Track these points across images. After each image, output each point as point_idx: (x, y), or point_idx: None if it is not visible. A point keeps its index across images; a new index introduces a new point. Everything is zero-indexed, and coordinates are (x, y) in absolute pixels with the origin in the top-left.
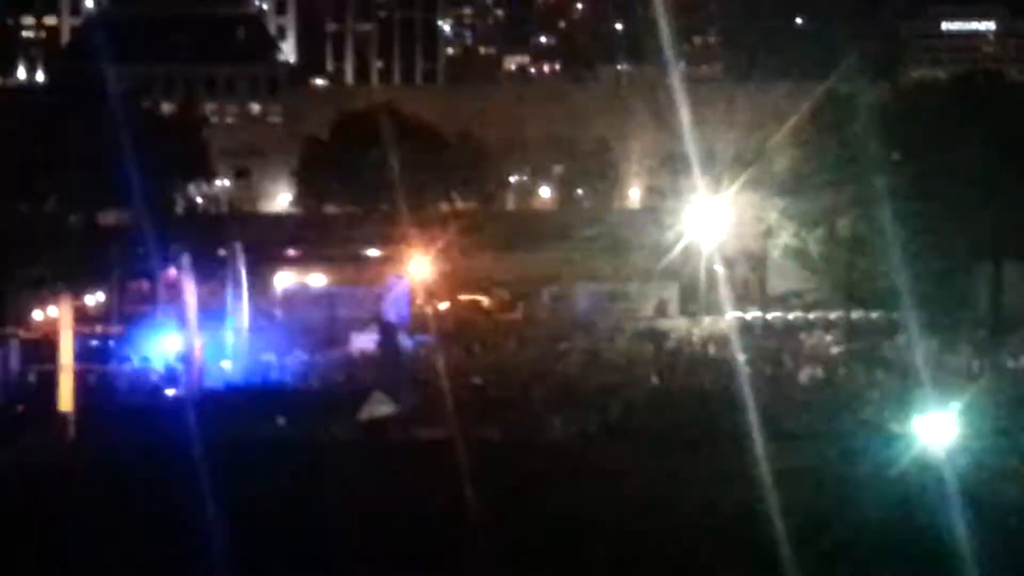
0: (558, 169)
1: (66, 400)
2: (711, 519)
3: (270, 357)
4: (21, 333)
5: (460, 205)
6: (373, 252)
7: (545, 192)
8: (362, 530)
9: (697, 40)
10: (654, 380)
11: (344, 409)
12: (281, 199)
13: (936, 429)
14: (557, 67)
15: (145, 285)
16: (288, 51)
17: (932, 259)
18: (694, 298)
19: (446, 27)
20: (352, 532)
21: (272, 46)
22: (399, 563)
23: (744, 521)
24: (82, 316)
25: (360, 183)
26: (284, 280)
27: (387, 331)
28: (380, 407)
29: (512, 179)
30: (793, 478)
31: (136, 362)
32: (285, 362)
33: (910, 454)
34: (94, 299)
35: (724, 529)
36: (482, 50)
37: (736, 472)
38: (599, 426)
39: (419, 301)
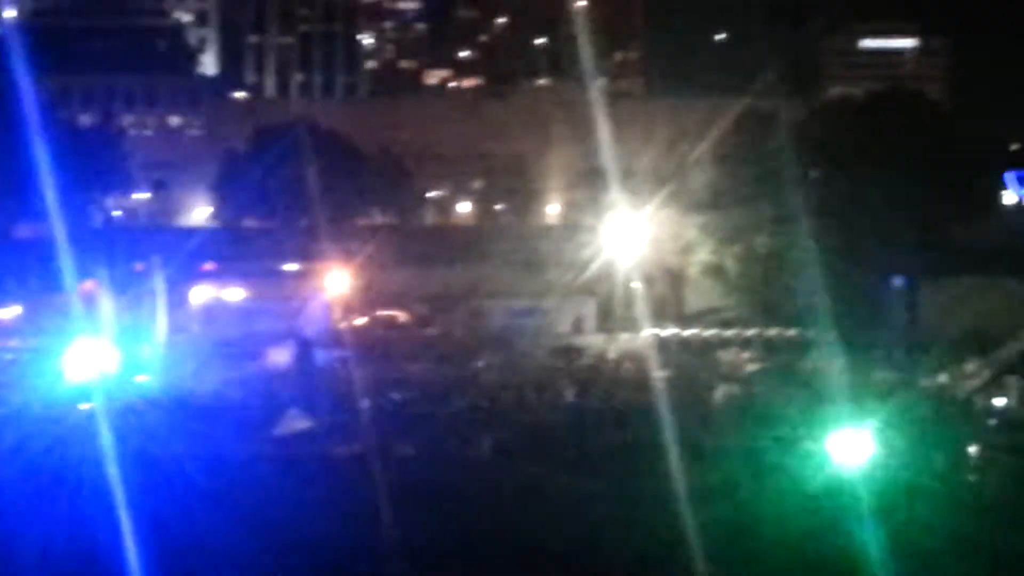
0: (477, 184)
1: None
2: (624, 537)
3: (186, 371)
4: None
5: (378, 220)
6: (291, 267)
7: (464, 207)
8: (274, 547)
9: (618, 56)
10: (569, 397)
11: (260, 424)
12: (199, 212)
13: (851, 446)
14: (479, 82)
15: (62, 298)
16: (208, 63)
17: (848, 276)
18: (611, 315)
19: (367, 41)
20: (264, 549)
21: (192, 58)
22: None
23: (657, 539)
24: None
25: (279, 197)
26: (201, 294)
27: (303, 346)
28: (296, 422)
29: (431, 194)
30: (707, 496)
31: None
32: (201, 376)
33: (824, 471)
34: (10, 312)
35: (637, 547)
36: (403, 64)
37: (650, 490)
38: (514, 443)
39: (336, 316)
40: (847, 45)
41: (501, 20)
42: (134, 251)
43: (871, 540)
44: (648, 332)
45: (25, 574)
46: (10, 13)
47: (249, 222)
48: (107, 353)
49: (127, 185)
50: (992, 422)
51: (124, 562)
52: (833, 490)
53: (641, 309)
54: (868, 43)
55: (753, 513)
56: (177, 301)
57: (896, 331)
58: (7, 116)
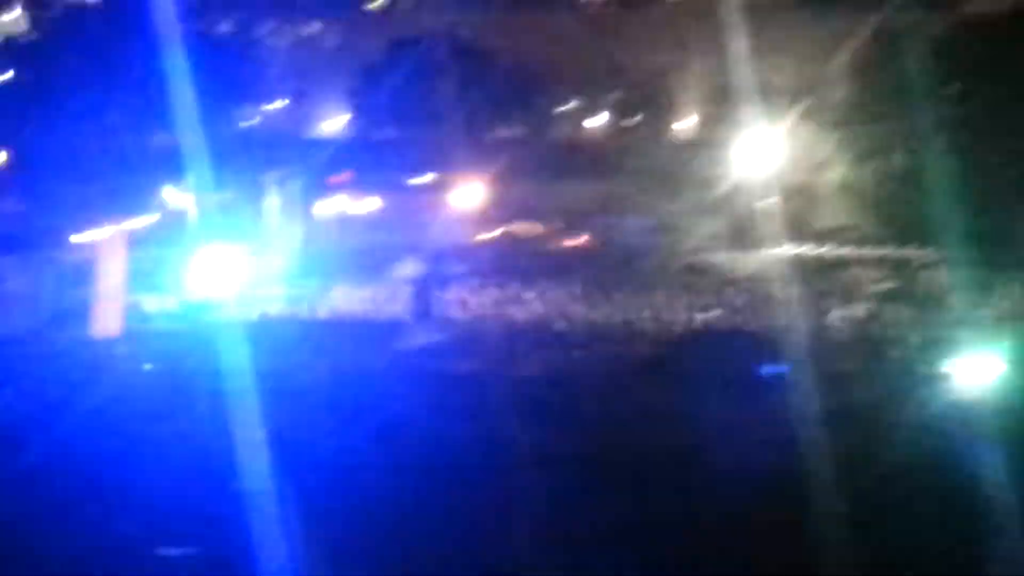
0: (610, 98)
1: (112, 325)
2: (744, 460)
3: (318, 282)
4: (64, 256)
5: (512, 132)
6: (423, 179)
7: (597, 121)
8: (392, 460)
9: None
10: (697, 317)
11: (386, 338)
12: (334, 123)
13: (978, 370)
14: None
15: (198, 207)
16: None
17: (985, 196)
18: (744, 232)
19: None
20: (383, 464)
21: None
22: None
23: (773, 466)
24: (131, 239)
25: (412, 109)
26: (334, 205)
27: (434, 258)
28: (420, 336)
29: (563, 108)
30: (826, 420)
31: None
32: (331, 288)
33: (949, 395)
34: (145, 221)
35: (755, 471)
36: None
37: (765, 413)
38: (638, 362)
39: (468, 229)
40: None
41: None
42: (270, 161)
43: (996, 467)
44: (781, 249)
45: (147, 487)
46: None
47: (383, 133)
48: (241, 263)
49: (264, 95)
50: None
51: (243, 477)
52: (959, 416)
53: (775, 226)
54: None
55: (875, 439)
56: (311, 213)
57: None
58: (143, 26)
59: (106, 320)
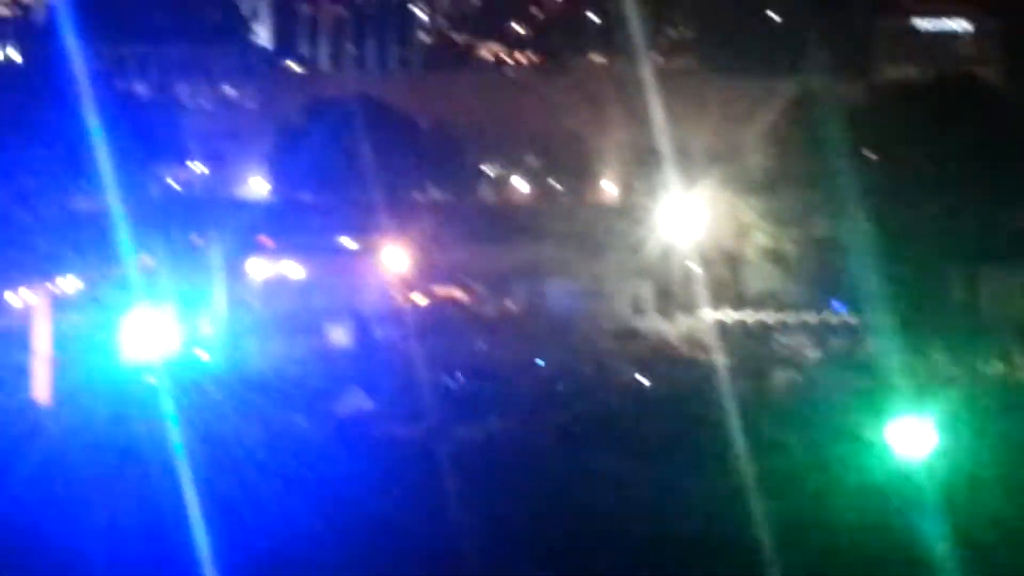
0: (532, 162)
1: (43, 390)
2: (681, 529)
3: (246, 347)
4: None
5: (433, 195)
6: (347, 242)
7: (520, 185)
8: (340, 525)
9: (672, 33)
10: (635, 382)
11: (321, 402)
12: (255, 186)
13: (912, 436)
14: (532, 57)
15: (120, 272)
16: (262, 33)
17: (907, 262)
18: (669, 297)
19: (420, 13)
20: (330, 528)
21: (245, 28)
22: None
23: (719, 530)
24: (57, 303)
25: (334, 171)
26: (259, 268)
27: (362, 323)
28: (357, 401)
29: (486, 170)
30: (766, 486)
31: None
32: (260, 352)
33: (885, 462)
34: (70, 286)
35: (694, 539)
36: (456, 37)
37: (708, 479)
38: (581, 427)
39: (394, 293)
40: (901, 26)
41: None
42: (191, 224)
43: (935, 534)
44: (708, 315)
45: (94, 550)
46: None
47: (304, 196)
48: (167, 327)
49: (183, 157)
50: None
51: (193, 540)
52: (895, 482)
53: (700, 292)
54: (924, 24)
55: (816, 505)
56: (235, 276)
57: (956, 318)
58: (61, 88)
59: (41, 382)
